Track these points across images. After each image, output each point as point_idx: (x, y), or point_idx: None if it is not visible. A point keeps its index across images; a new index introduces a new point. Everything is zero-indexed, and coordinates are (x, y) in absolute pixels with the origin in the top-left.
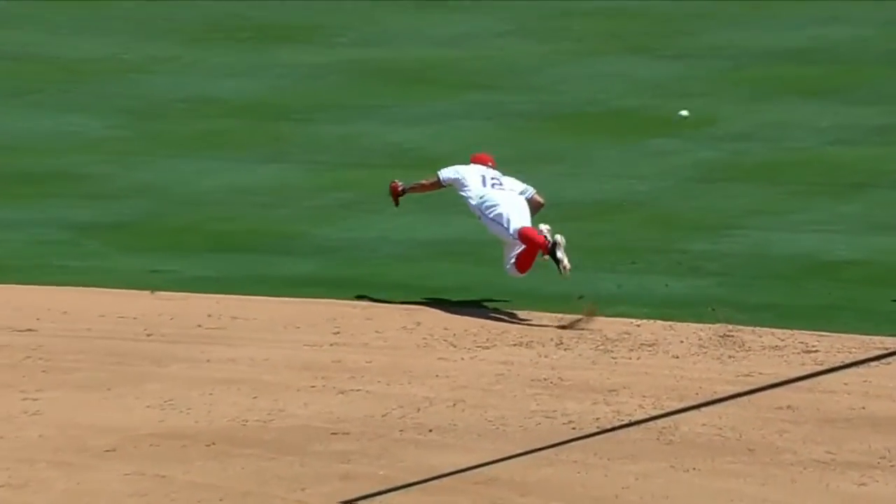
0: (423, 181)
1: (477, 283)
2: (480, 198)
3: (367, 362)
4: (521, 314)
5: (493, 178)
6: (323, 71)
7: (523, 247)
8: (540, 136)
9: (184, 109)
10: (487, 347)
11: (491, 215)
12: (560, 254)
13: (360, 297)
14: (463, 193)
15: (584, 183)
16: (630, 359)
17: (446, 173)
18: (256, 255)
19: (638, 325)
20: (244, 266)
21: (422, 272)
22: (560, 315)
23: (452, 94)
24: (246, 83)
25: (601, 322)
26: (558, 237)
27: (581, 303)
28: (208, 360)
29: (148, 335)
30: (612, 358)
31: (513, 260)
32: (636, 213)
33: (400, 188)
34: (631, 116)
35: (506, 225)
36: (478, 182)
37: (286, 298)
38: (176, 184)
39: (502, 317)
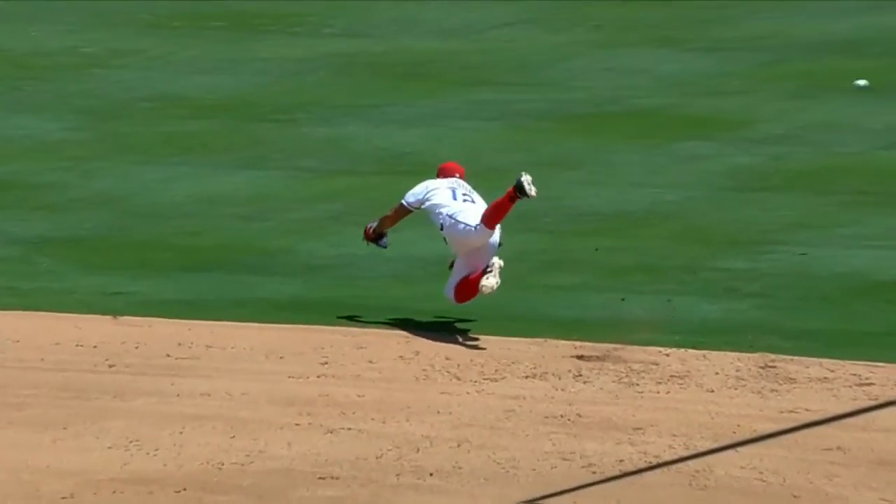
0: (388, 213)
1: (483, 307)
2: (450, 215)
3: (358, 396)
4: (534, 342)
5: (464, 194)
6: (307, 66)
7: (471, 272)
8: (553, 139)
9: (150, 109)
10: (495, 380)
11: (459, 221)
12: (491, 278)
13: (350, 322)
14: (434, 218)
15: (603, 192)
16: (658, 392)
17: (412, 196)
18: (233, 275)
19: (667, 355)
20: (219, 287)
21: (420, 294)
22: (577, 342)
23: (454, 92)
24: (220, 79)
25: (625, 351)
26: (495, 261)
27: (603, 328)
28: (178, 395)
29: (110, 366)
30: (638, 392)
31: (455, 285)
32: (663, 227)
33: (371, 230)
34: (656, 116)
35: (473, 227)
36: (447, 197)
37: (267, 324)
38: (141, 193)
39: (512, 345)
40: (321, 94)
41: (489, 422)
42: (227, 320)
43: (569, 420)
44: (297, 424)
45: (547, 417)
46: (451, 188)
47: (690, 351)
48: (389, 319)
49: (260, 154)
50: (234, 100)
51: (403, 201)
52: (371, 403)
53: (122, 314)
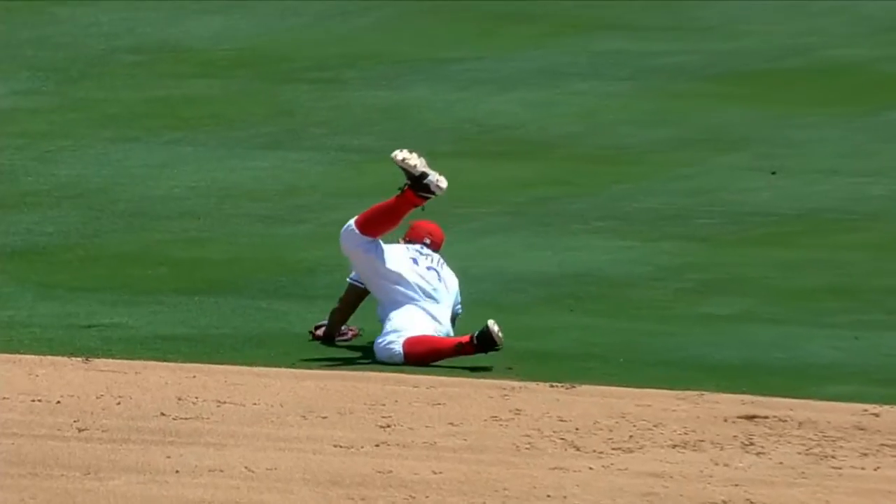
0: (338, 304)
1: (610, 346)
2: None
3: (434, 474)
4: (684, 396)
5: (428, 265)
6: (358, 2)
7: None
8: (708, 107)
9: (136, 65)
10: (630, 450)
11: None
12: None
13: (422, 368)
14: (380, 297)
15: (781, 182)
16: (863, 469)
17: (356, 271)
18: (253, 300)
19: (875, 415)
20: (233, 317)
21: (522, 326)
22: (746, 397)
23: (569, 40)
24: (234, 22)
25: (814, 409)
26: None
27: (782, 377)
28: (177, 471)
29: (80, 430)
30: (834, 468)
31: (402, 341)
32: (866, 232)
33: (319, 333)
34: (857, 74)
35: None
36: (405, 266)
37: (303, 370)
38: (124, 184)
39: (652, 399)
40: (378, 44)
41: None
42: (246, 364)
43: None
44: None
45: None
46: (411, 258)
47: None
48: (476, 364)
49: (291, 128)
50: (254, 51)
51: (349, 279)
52: (451, 484)
53: (97, 355)
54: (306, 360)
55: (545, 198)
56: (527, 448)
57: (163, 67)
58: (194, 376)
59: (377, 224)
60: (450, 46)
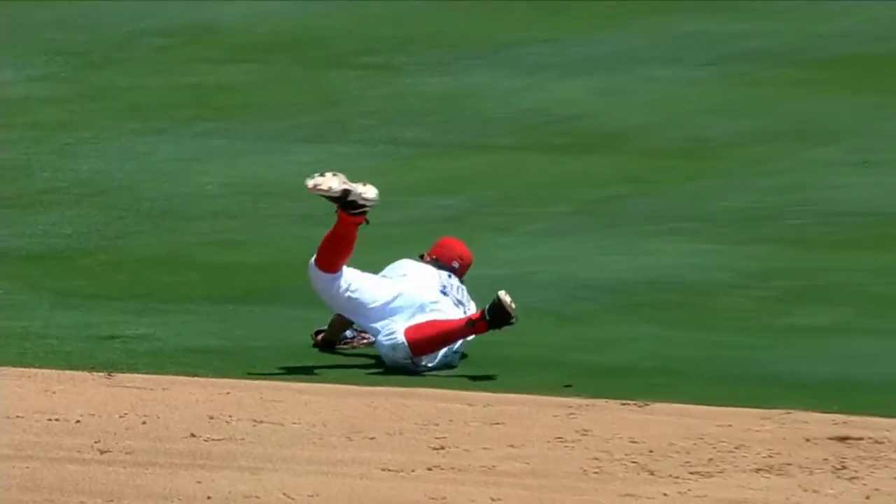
0: (335, 316)
1: (691, 357)
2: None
3: (493, 501)
4: (769, 415)
5: (458, 299)
6: None
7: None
8: (798, 95)
9: (164, 49)
10: (709, 474)
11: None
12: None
13: (479, 384)
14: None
15: (877, 177)
16: None
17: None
18: (292, 308)
19: None
20: (271, 328)
21: (590, 337)
22: (838, 416)
23: (640, 20)
24: (272, 2)
25: None
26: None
27: (880, 396)
28: (208, 498)
29: (101, 452)
30: None
31: (404, 329)
32: None
33: (319, 339)
34: None
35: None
36: (431, 290)
37: (348, 385)
38: (149, 179)
39: (734, 419)
40: (433, 25)
41: None
42: (285, 380)
43: None
44: None
45: None
46: (441, 284)
47: None
48: (540, 379)
49: (336, 118)
50: (295, 33)
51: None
52: None
53: (121, 370)
54: (351, 374)
55: (617, 196)
56: (595, 473)
57: (194, 51)
58: (228, 393)
59: (332, 256)
60: (513, 27)
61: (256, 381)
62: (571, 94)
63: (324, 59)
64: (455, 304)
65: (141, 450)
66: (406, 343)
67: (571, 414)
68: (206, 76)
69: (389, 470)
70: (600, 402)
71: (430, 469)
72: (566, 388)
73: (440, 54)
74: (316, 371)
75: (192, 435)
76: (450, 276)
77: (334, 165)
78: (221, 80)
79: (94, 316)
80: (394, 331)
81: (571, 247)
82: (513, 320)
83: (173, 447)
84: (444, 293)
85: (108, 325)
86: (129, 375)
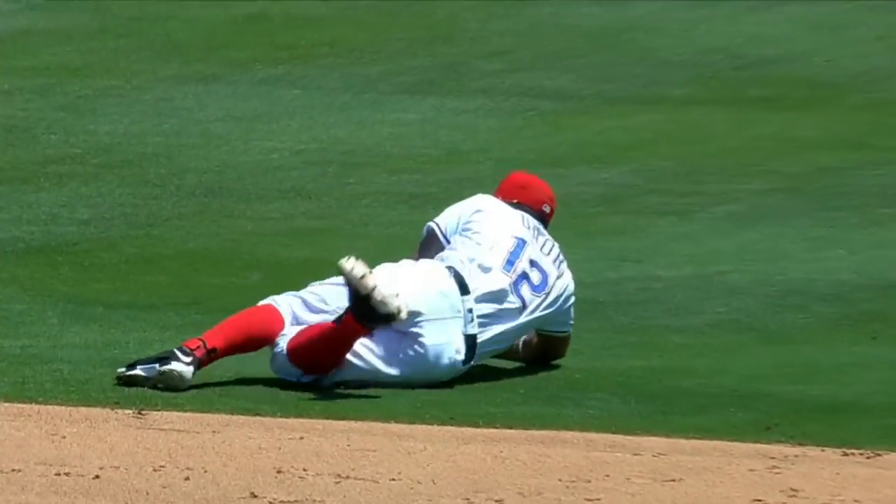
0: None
1: None
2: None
3: None
4: None
5: (531, 256)
6: None
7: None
8: None
9: None
10: None
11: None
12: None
13: (641, 422)
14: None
15: None
16: None
17: (444, 220)
18: None
19: None
20: None
21: (800, 361)
22: None
23: None
24: None
25: None
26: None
27: None
28: None
29: None
30: None
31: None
32: None
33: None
34: None
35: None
36: (505, 246)
37: (463, 428)
38: (193, 145)
39: None
40: None
41: None
42: (380, 419)
43: None
44: None
45: None
46: (516, 237)
47: None
48: (730, 419)
49: (449, 62)
50: None
51: (433, 223)
52: None
53: (155, 406)
54: (470, 411)
55: (835, 168)
56: None
57: None
58: (301, 437)
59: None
60: None
61: (340, 422)
62: (769, 29)
63: None
64: (527, 265)
65: None
66: (285, 354)
67: (775, 468)
68: (270, 4)
69: None
70: (814, 450)
71: None
72: (767, 432)
73: None
74: (423, 407)
75: (254, 496)
76: (539, 228)
77: (447, 126)
78: (291, 9)
79: (119, 332)
80: (278, 342)
81: (773, 238)
82: (372, 300)
83: None
84: (522, 242)
85: (138, 345)
86: (166, 413)
